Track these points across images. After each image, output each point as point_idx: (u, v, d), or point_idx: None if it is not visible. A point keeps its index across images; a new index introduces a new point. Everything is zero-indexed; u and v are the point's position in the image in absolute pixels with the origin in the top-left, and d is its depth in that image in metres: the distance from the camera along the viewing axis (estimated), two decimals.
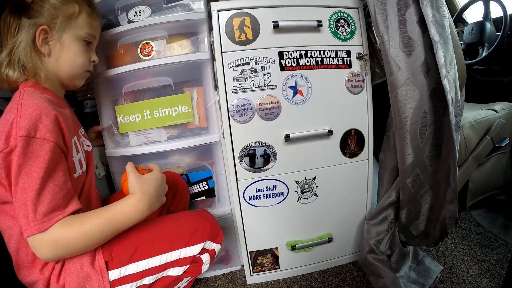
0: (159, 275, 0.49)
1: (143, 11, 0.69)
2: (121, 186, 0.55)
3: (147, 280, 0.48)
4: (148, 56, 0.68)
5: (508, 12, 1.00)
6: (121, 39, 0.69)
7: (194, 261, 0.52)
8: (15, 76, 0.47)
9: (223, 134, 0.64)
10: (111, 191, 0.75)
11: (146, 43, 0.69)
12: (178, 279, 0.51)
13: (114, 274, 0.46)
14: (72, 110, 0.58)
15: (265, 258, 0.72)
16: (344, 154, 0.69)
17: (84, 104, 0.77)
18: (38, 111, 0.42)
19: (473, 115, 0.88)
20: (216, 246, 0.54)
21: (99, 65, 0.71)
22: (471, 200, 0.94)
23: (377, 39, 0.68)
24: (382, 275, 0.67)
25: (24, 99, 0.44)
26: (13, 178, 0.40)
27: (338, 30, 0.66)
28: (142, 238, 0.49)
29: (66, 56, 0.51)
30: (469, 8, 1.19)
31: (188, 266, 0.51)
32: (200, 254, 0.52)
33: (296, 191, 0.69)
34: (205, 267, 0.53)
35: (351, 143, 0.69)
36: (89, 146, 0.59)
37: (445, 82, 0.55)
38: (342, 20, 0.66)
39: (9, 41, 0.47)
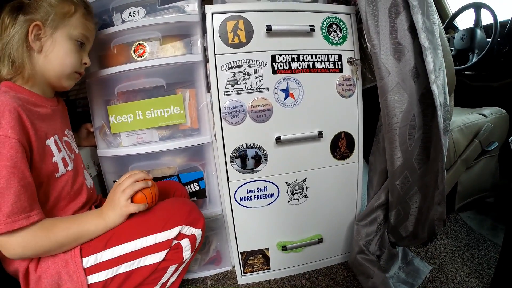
0: (135, 263, 0.49)
1: (138, 11, 0.69)
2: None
3: (124, 268, 0.48)
4: (141, 57, 0.68)
5: (499, 19, 1.02)
6: (115, 39, 0.69)
7: (174, 247, 0.52)
8: (4, 73, 0.47)
9: (214, 135, 0.64)
10: (102, 191, 0.75)
11: (139, 43, 0.69)
12: (159, 268, 0.51)
13: (90, 261, 0.47)
14: (61, 108, 0.58)
15: (256, 259, 0.73)
16: (334, 156, 0.70)
17: (77, 103, 0.77)
18: (2, 107, 0.42)
19: (462, 119, 0.89)
20: (196, 231, 0.54)
21: (92, 64, 0.72)
22: (459, 202, 0.96)
23: (368, 45, 0.69)
24: (372, 275, 0.68)
25: None
26: None
27: (330, 34, 0.67)
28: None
29: (57, 54, 0.50)
30: (460, 15, 1.21)
31: (166, 251, 0.51)
32: (179, 240, 0.52)
33: (287, 192, 0.69)
34: (186, 253, 0.53)
35: (341, 146, 0.70)
36: (76, 149, 0.59)
37: (433, 87, 0.56)
38: (334, 25, 0.67)
39: (3, 38, 0.48)
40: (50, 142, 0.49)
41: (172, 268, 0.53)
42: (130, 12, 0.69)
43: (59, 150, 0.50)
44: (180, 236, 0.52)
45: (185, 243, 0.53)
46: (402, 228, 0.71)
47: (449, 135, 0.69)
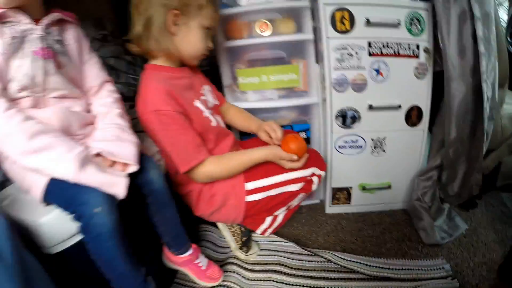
0: (282, 189, 0.98)
1: None
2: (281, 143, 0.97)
3: (273, 192, 0.98)
4: (264, 32, 1.19)
5: None
6: (240, 17, 1.17)
7: (308, 181, 1.01)
8: (154, 49, 0.82)
9: (324, 99, 1.17)
10: None
11: (261, 21, 1.19)
12: (293, 194, 1.00)
13: (250, 186, 0.96)
14: (195, 73, 0.99)
15: (342, 194, 1.29)
16: (407, 123, 1.23)
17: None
18: (156, 91, 0.80)
19: None
20: (322, 173, 1.03)
21: (220, 36, 1.20)
22: (501, 182, 1.44)
23: (440, 43, 1.18)
24: (423, 219, 1.22)
25: (147, 81, 0.83)
26: (156, 137, 0.84)
27: (411, 27, 1.18)
28: (270, 165, 0.96)
29: (190, 40, 0.84)
30: None
31: (303, 184, 0.99)
32: (311, 177, 1.01)
33: (371, 146, 1.23)
34: (314, 186, 1.03)
35: (413, 116, 1.23)
36: (214, 100, 1.04)
37: (483, 84, 1.00)
38: (415, 19, 1.17)
39: (138, 17, 0.79)
40: (197, 103, 0.91)
41: (300, 196, 1.03)
42: None
43: (207, 107, 0.95)
44: (313, 174, 0.99)
45: (315, 179, 1.01)
46: (450, 188, 1.24)
47: (493, 121, 1.11)
